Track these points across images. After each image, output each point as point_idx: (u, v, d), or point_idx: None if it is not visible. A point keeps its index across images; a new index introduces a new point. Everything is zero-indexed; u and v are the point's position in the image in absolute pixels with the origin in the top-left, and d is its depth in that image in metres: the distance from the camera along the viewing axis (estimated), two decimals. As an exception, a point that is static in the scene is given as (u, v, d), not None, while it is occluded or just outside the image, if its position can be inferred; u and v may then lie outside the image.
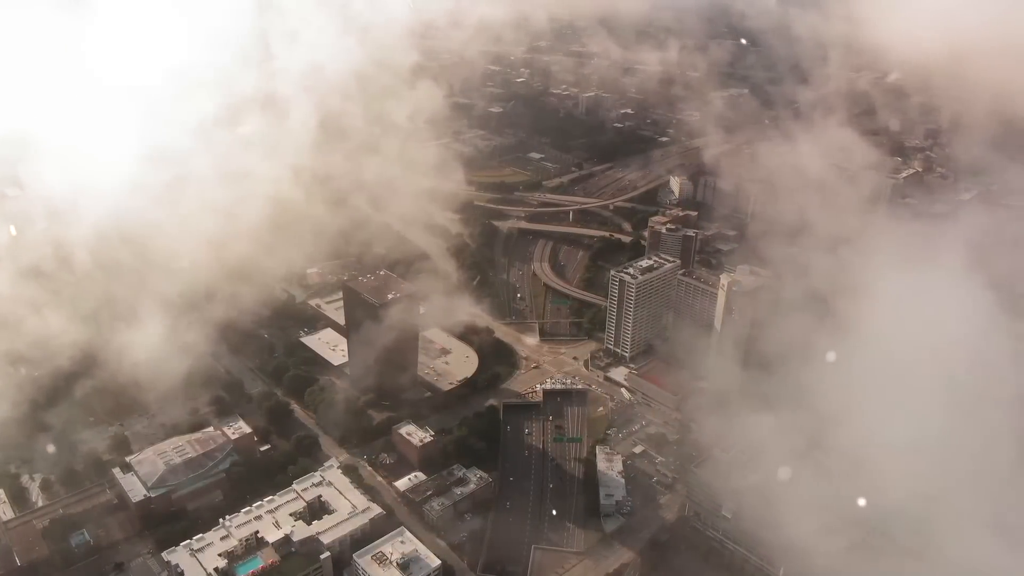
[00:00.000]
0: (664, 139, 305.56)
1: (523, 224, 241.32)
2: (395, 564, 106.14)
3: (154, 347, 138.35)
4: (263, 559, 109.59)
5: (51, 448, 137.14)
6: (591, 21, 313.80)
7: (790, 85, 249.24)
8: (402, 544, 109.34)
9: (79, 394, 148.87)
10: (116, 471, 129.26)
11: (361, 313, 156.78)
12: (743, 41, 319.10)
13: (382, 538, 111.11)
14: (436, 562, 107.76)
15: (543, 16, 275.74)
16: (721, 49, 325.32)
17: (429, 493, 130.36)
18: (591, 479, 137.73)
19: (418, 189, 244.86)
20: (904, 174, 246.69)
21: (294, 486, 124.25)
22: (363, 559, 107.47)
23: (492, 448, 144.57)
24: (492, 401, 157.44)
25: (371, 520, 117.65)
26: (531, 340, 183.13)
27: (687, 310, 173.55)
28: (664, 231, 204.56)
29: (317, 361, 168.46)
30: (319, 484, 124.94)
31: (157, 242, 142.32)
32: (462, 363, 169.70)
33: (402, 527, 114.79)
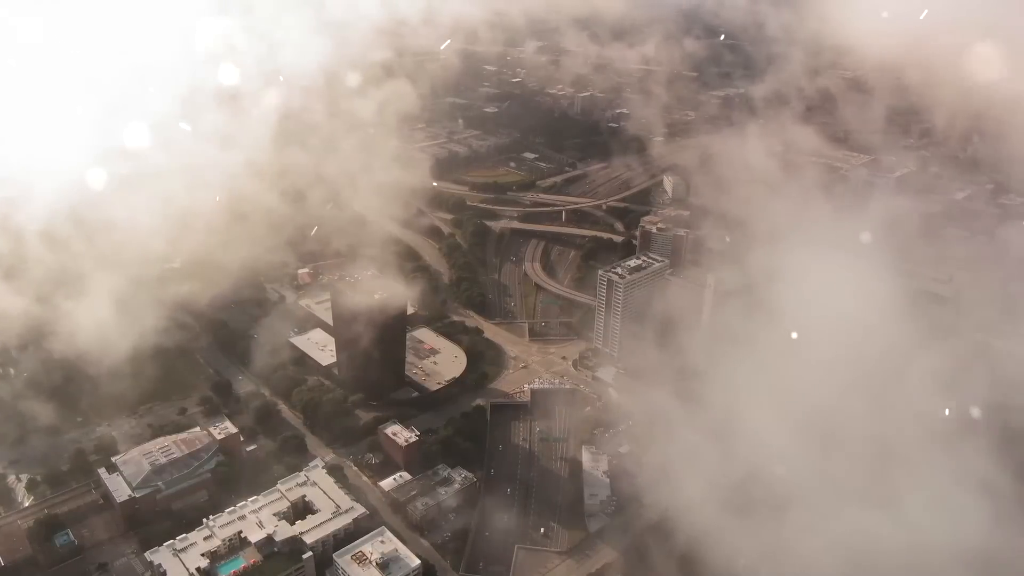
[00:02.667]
0: (658, 139, 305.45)
1: (515, 224, 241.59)
2: (375, 564, 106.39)
3: (124, 340, 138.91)
4: (245, 559, 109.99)
5: (38, 448, 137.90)
6: (576, 22, 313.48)
7: (778, 85, 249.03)
8: (382, 544, 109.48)
9: (66, 393, 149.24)
10: (102, 471, 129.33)
11: (348, 313, 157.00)
12: (724, 38, 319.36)
13: (362, 538, 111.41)
14: (416, 562, 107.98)
15: (529, 16, 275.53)
16: (710, 49, 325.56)
17: (414, 493, 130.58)
18: (576, 479, 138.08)
19: (411, 189, 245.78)
20: (898, 173, 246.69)
21: (278, 486, 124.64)
22: (343, 559, 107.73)
23: (478, 448, 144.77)
24: (479, 401, 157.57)
25: (354, 520, 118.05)
26: (520, 340, 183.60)
27: (675, 309, 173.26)
28: (655, 231, 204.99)
29: (306, 361, 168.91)
30: (303, 484, 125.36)
31: (114, 233, 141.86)
32: (450, 363, 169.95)
33: (383, 527, 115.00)
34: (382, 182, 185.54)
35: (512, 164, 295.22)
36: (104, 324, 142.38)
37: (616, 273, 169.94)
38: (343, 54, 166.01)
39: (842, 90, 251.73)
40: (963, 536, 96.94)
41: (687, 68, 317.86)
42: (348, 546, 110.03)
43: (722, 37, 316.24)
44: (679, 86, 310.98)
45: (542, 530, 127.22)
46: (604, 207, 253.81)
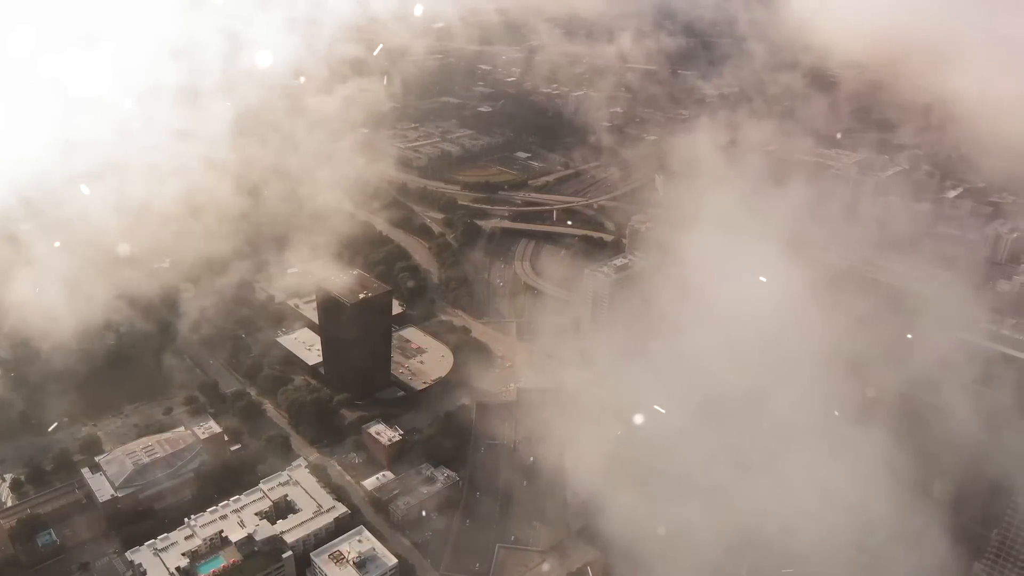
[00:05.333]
0: (652, 137, 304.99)
1: (506, 223, 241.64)
2: (352, 563, 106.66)
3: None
4: (225, 558, 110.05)
5: (22, 447, 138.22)
6: (563, 21, 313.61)
7: (772, 84, 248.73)
8: (360, 543, 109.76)
9: (52, 392, 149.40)
10: (85, 471, 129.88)
11: (334, 312, 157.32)
12: (717, 36, 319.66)
13: (340, 537, 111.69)
14: (393, 560, 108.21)
15: (507, 15, 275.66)
16: (702, 48, 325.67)
17: (396, 492, 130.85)
18: (559, 477, 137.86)
19: (402, 188, 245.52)
20: (890, 172, 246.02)
21: (261, 485, 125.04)
22: (320, 558, 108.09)
23: (463, 447, 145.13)
24: (465, 400, 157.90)
25: (336, 519, 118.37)
26: (508, 339, 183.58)
27: (662, 307, 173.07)
28: (644, 230, 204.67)
29: (293, 361, 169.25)
30: (286, 483, 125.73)
31: (98, 231, 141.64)
32: (437, 362, 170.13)
33: (361, 526, 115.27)
34: (371, 181, 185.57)
35: (504, 164, 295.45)
36: (91, 323, 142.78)
37: (603, 272, 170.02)
38: (330, 53, 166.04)
39: (834, 89, 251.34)
40: (850, 511, 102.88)
41: (682, 67, 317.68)
42: (325, 545, 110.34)
43: (715, 32, 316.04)
44: (675, 85, 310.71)
45: (514, 536, 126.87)
46: (595, 206, 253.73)
